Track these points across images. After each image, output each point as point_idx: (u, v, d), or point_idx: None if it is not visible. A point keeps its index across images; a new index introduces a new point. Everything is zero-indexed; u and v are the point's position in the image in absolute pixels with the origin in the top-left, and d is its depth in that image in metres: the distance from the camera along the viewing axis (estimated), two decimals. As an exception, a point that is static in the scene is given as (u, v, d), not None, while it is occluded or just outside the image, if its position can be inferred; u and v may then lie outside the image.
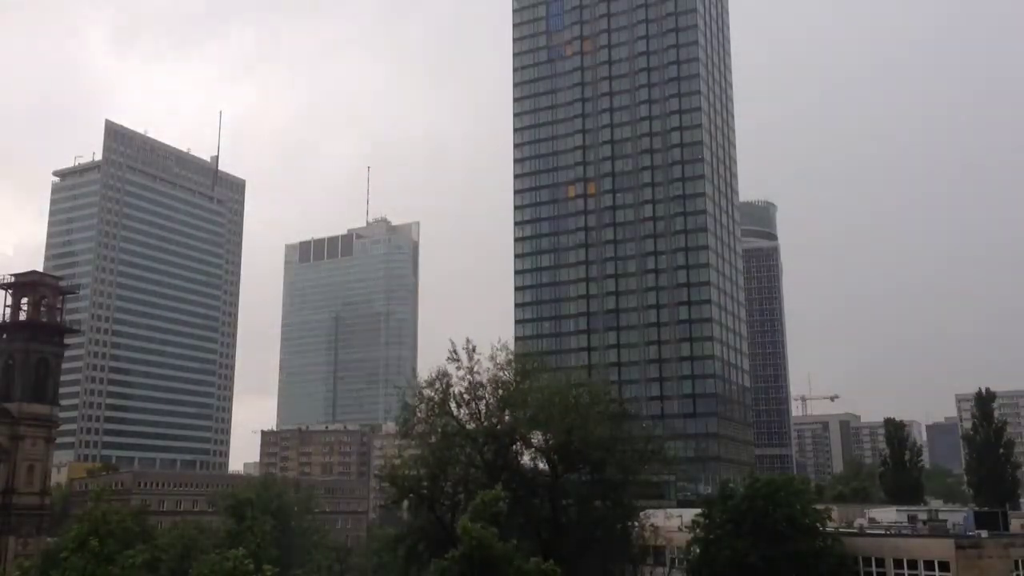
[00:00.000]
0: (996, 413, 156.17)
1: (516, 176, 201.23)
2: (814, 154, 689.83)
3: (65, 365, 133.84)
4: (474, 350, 65.34)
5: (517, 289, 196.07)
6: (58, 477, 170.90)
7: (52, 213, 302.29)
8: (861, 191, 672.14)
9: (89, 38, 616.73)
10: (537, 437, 67.85)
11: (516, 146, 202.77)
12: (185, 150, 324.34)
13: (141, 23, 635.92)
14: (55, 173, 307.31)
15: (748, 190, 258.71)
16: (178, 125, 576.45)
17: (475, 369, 65.35)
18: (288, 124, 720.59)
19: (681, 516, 76.39)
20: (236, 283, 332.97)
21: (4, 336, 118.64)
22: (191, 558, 79.56)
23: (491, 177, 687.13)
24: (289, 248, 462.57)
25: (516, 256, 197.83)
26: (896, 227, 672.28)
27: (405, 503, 67.13)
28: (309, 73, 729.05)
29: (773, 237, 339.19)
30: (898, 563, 63.66)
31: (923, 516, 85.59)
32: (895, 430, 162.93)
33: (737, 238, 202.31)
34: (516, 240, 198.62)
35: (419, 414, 65.95)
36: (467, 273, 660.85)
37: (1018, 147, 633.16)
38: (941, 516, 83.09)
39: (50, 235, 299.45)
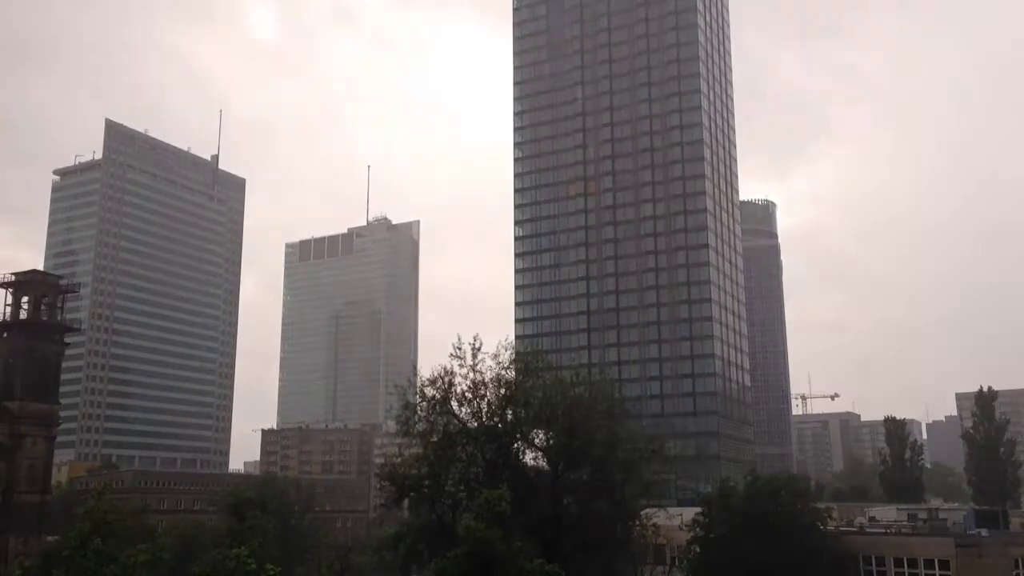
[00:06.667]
0: (997, 412, 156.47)
1: (516, 176, 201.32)
2: (815, 152, 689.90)
3: (65, 364, 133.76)
4: (480, 348, 65.29)
5: (517, 288, 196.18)
6: (58, 476, 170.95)
7: (52, 212, 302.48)
8: (861, 189, 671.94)
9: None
10: (539, 436, 67.84)
11: (516, 145, 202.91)
12: (185, 148, 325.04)
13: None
14: (55, 172, 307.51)
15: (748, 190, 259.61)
16: (178, 124, 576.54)
17: (478, 367, 65.28)
18: (288, 123, 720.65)
19: (681, 515, 76.53)
20: (236, 282, 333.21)
21: (4, 335, 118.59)
22: (192, 557, 79.57)
23: (491, 177, 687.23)
24: (289, 247, 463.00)
25: (516, 256, 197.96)
26: (897, 225, 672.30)
27: (405, 502, 67.09)
28: (308, 72, 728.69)
29: (773, 236, 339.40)
30: (898, 562, 63.90)
31: (923, 515, 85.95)
32: (895, 428, 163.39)
33: (737, 237, 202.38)
34: (516, 240, 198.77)
35: (420, 412, 65.87)
36: (467, 273, 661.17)
37: (1018, 145, 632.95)
38: (941, 515, 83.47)
39: (50, 234, 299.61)
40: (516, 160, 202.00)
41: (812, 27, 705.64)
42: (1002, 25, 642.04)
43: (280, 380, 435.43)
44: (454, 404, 65.87)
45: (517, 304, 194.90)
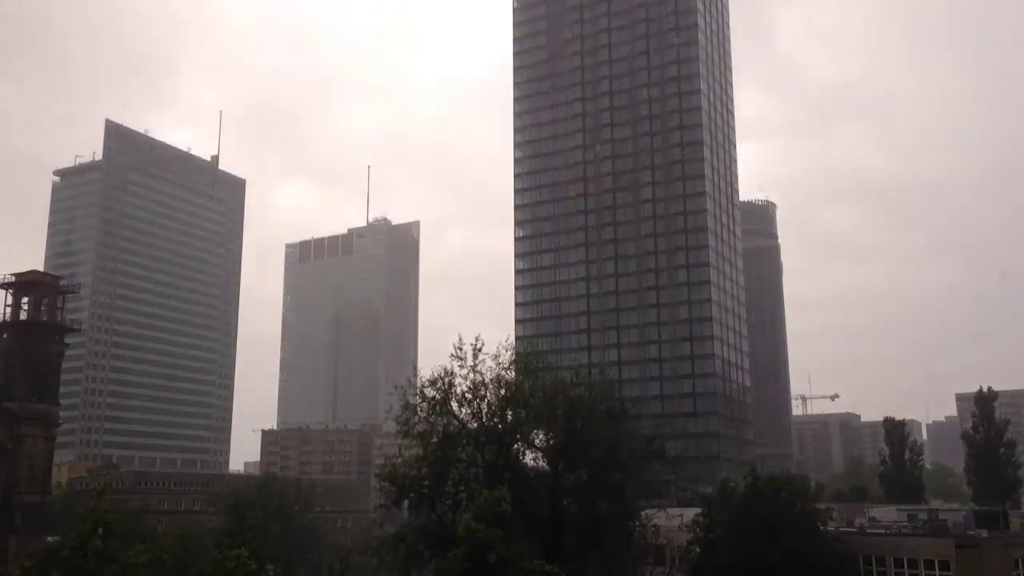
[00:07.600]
0: (997, 412, 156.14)
1: (516, 176, 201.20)
2: (815, 152, 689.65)
3: (65, 364, 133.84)
4: (480, 348, 65.26)
5: (517, 289, 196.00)
6: (58, 476, 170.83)
7: (52, 213, 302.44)
8: (861, 188, 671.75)
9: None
10: (539, 437, 67.86)
11: (516, 145, 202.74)
12: (186, 149, 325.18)
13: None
14: (55, 173, 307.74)
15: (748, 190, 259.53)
16: (178, 124, 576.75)
17: (478, 368, 65.24)
18: (288, 123, 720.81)
19: (682, 515, 76.46)
20: (236, 283, 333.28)
21: (4, 336, 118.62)
22: (192, 557, 79.57)
23: (491, 176, 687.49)
24: (289, 248, 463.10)
25: (516, 256, 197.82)
26: (896, 225, 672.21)
27: (405, 502, 67.08)
28: (308, 71, 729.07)
29: (773, 236, 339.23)
30: (898, 562, 63.86)
31: (923, 515, 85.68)
32: (894, 429, 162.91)
33: (737, 237, 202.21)
34: (516, 240, 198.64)
35: (420, 413, 65.81)
36: (467, 272, 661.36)
37: (1016, 140, 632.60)
38: (941, 515, 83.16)
39: (50, 235, 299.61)
40: (516, 160, 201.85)
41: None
42: None
43: (280, 380, 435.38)
44: (454, 405, 65.88)
45: (517, 304, 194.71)
